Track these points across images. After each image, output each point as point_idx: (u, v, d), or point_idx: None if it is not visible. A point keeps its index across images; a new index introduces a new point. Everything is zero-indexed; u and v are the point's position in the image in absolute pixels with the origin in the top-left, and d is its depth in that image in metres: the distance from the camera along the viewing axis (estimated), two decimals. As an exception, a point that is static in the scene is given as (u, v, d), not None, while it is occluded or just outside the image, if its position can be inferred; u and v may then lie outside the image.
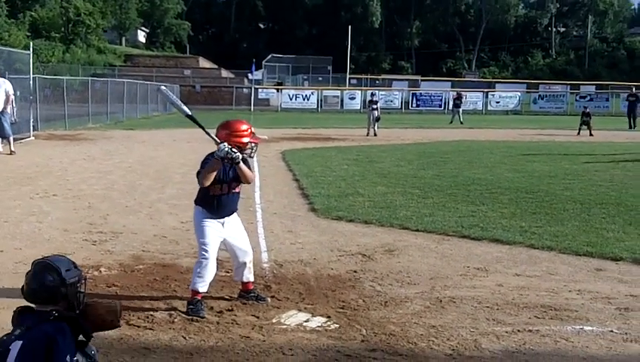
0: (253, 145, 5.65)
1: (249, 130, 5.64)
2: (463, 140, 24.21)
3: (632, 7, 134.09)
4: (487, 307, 5.92)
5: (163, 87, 6.25)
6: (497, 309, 5.86)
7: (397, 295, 6.27)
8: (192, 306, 5.67)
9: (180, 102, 5.90)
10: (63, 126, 27.54)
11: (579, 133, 28.59)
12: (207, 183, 5.55)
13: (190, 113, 5.76)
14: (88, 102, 32.33)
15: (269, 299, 6.03)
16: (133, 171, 15.15)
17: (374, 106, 27.41)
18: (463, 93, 47.35)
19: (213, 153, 5.51)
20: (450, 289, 6.44)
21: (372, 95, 29.89)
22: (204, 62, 75.92)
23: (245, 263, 5.97)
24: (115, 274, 6.81)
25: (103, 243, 8.13)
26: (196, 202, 5.83)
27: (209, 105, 55.66)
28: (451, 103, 44.33)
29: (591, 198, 11.34)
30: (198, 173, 5.62)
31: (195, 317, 5.55)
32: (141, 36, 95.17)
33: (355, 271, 7.06)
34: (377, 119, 27.14)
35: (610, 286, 6.58)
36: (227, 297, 6.10)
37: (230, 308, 5.83)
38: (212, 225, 5.73)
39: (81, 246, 7.96)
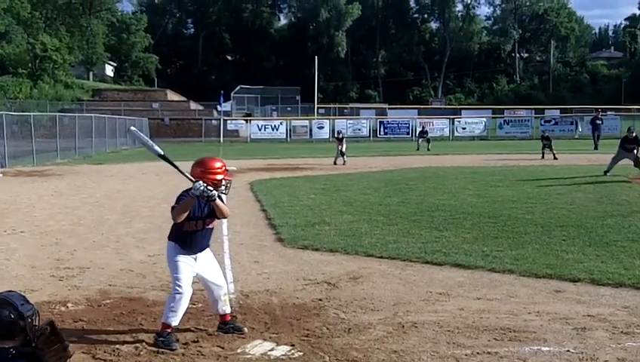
0: (227, 181, 5.78)
1: (223, 168, 5.78)
2: (429, 167, 24.52)
3: (593, 31, 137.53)
4: (448, 331, 6.06)
5: (133, 128, 6.33)
6: (458, 333, 6.01)
7: (360, 321, 6.39)
8: (162, 338, 5.72)
9: (151, 142, 5.98)
10: (31, 162, 27.39)
11: (543, 157, 29.08)
12: (180, 220, 5.66)
13: (162, 153, 5.87)
14: (56, 137, 32.23)
15: (245, 329, 6.11)
16: (101, 206, 15.13)
17: (340, 143, 28.11)
18: (426, 124, 48.16)
19: (188, 190, 5.61)
20: (413, 315, 6.58)
21: (338, 133, 30.64)
22: (172, 95, 75.87)
23: (220, 296, 6.05)
24: (82, 309, 6.85)
25: (70, 278, 8.15)
26: (170, 238, 5.91)
27: (178, 137, 55.60)
28: (418, 131, 45.11)
29: (552, 221, 11.59)
30: (173, 209, 5.72)
31: (166, 349, 5.61)
32: (109, 70, 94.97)
33: (320, 300, 7.17)
34: (342, 153, 27.71)
35: (569, 307, 6.76)
36: (193, 329, 6.18)
37: (196, 339, 5.90)
38: (185, 260, 5.81)
39: (48, 282, 7.98)
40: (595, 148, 36.08)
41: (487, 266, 8.43)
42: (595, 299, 7.05)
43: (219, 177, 5.71)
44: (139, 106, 63.45)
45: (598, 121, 39.27)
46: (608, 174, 19.30)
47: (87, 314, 6.64)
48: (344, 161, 27.25)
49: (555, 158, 28.45)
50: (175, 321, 5.78)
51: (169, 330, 5.76)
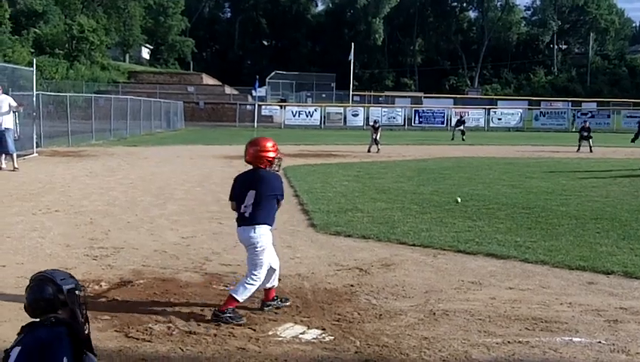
0: (278, 159, 6.20)
1: (275, 146, 6.18)
2: (464, 157, 24.38)
3: (633, 24, 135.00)
4: (480, 319, 6.03)
5: None
6: (489, 321, 5.98)
7: (391, 308, 6.39)
8: (230, 314, 5.92)
9: None
10: (66, 142, 27.76)
11: (579, 150, 28.71)
12: None
13: None
14: (92, 118, 32.64)
15: (290, 300, 6.42)
16: (135, 187, 15.29)
17: (375, 131, 28.30)
18: (464, 114, 47.77)
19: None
20: (444, 303, 6.55)
21: (375, 122, 30.64)
22: (207, 79, 76.31)
23: (275, 269, 6.36)
24: (116, 289, 6.94)
25: (104, 258, 8.25)
26: (262, 222, 6.05)
27: (213, 121, 56.04)
28: (454, 121, 44.81)
29: (586, 214, 11.47)
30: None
31: (234, 323, 5.84)
32: (145, 53, 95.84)
33: (351, 285, 7.17)
34: (377, 142, 27.81)
35: (601, 299, 6.69)
36: (225, 310, 6.22)
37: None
38: (272, 246, 6.19)
39: (82, 261, 8.08)
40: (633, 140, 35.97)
41: (520, 256, 8.36)
42: (628, 292, 6.97)
43: (271, 155, 6.10)
44: (174, 89, 64.01)
45: None
46: None
47: (120, 294, 6.72)
48: (378, 149, 27.26)
49: (591, 151, 28.09)
50: (244, 299, 6.04)
51: (234, 305, 5.98)
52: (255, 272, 6.05)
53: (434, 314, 6.20)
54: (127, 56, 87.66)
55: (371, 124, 31.19)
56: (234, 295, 5.98)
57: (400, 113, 58.88)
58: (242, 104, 60.41)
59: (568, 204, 12.59)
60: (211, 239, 9.48)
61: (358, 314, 6.18)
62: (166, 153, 25.44)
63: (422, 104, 69.53)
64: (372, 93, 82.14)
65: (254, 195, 6.00)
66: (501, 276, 7.57)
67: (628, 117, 56.03)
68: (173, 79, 72.75)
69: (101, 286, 7.01)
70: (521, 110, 60.26)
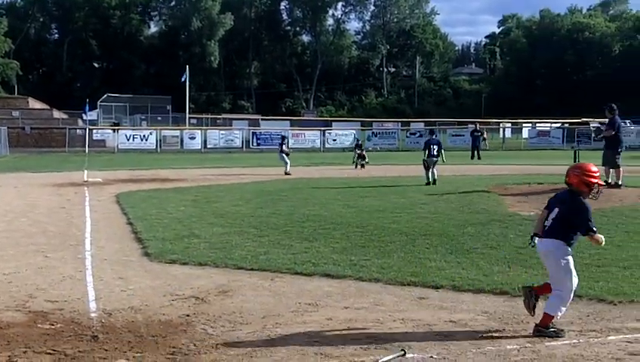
0: (598, 187, 6.45)
1: (597, 173, 6.48)
2: (301, 178, 24.68)
3: (456, 48, 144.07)
4: (316, 341, 6.07)
5: None
6: (326, 343, 6.03)
7: (229, 336, 6.29)
8: (553, 329, 6.24)
9: None
10: None
11: (359, 167, 30.97)
12: None
13: None
14: None
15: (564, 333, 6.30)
16: (-48, 221, 14.14)
17: (285, 148, 28.52)
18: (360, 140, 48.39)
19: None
20: (282, 327, 6.55)
21: (283, 138, 31.76)
22: (34, 103, 72.45)
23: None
24: None
25: None
26: (557, 237, 6.33)
27: (41, 147, 53.26)
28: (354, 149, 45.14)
29: (416, 230, 11.92)
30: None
31: (558, 338, 6.12)
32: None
33: (187, 315, 7.00)
34: (287, 154, 28.18)
35: (432, 314, 6.96)
36: (50, 351, 5.83)
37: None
38: (571, 259, 6.33)
39: None
40: (472, 157, 38.39)
41: (354, 275, 8.55)
42: (456, 305, 7.30)
43: (593, 180, 6.39)
44: (-3, 115, 60.08)
45: (477, 133, 41.66)
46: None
47: None
48: (286, 171, 27.06)
49: (363, 167, 30.70)
50: (561, 313, 6.30)
51: (551, 321, 6.24)
52: (559, 286, 6.30)
53: (271, 339, 6.18)
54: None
55: (280, 141, 30.32)
56: (547, 312, 6.26)
57: (238, 135, 58.89)
58: (72, 128, 57.80)
59: (399, 221, 13.04)
60: (36, 274, 8.92)
61: (194, 345, 6.03)
62: (-12, 182, 23.73)
63: (259, 126, 69.98)
64: (209, 116, 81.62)
65: (557, 213, 6.38)
66: (337, 296, 7.69)
67: (453, 135, 59.38)
68: (-4, 104, 68.45)
69: None
70: (354, 131, 62.18)
